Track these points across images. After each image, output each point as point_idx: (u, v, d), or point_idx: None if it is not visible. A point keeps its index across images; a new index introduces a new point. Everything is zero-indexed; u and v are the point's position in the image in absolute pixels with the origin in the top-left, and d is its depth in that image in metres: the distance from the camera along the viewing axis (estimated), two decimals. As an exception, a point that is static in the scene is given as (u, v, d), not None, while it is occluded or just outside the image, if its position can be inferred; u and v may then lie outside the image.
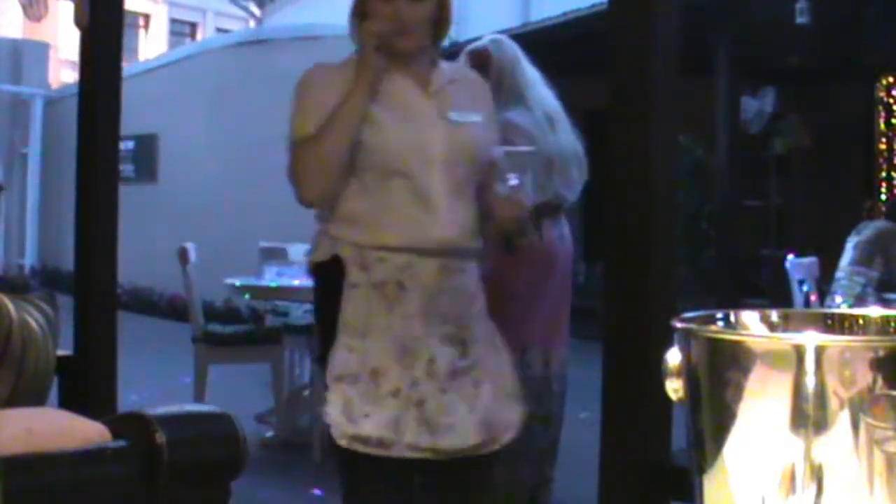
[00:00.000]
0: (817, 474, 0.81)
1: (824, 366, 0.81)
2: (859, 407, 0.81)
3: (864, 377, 0.81)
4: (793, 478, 0.82)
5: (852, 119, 11.10)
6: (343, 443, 2.23)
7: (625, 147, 2.17)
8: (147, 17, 25.62)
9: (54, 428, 1.91)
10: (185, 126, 12.19)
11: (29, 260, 15.78)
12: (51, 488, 1.80)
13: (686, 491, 0.95)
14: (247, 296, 6.16)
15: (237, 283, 5.77)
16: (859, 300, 5.56)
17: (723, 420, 0.86)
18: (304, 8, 14.15)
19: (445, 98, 2.37)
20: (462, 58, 3.52)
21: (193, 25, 26.91)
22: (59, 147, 13.99)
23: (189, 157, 12.10)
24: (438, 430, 2.23)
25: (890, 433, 0.80)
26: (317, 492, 4.19)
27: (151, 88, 12.14)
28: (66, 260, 10.26)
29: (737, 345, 0.86)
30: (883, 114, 10.98)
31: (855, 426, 0.81)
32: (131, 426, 1.90)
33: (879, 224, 6.09)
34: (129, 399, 2.78)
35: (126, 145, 12.16)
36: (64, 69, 19.45)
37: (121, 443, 1.89)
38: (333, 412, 2.24)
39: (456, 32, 9.08)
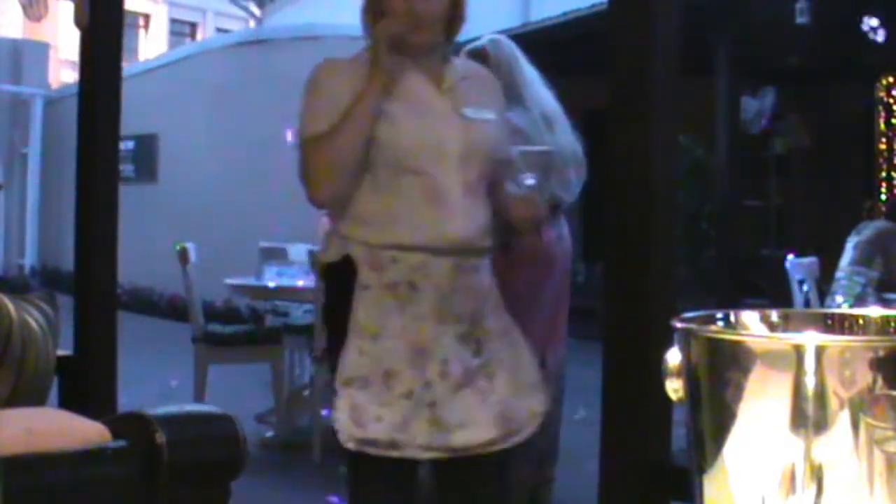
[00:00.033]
0: (817, 474, 0.81)
1: (824, 366, 0.81)
2: (859, 407, 0.81)
3: (864, 377, 0.81)
4: (793, 478, 0.82)
5: (852, 119, 11.11)
6: (351, 446, 2.19)
7: (625, 147, 2.17)
8: (147, 17, 25.61)
9: (54, 428, 1.91)
10: (185, 126, 12.18)
11: (29, 260, 15.78)
12: (51, 488, 1.80)
13: (686, 491, 0.95)
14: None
15: (236, 283, 5.78)
16: (859, 300, 5.56)
17: (723, 420, 0.86)
18: (304, 8, 14.15)
19: (459, 94, 2.33)
20: (461, 57, 3.51)
21: (193, 25, 26.91)
22: (59, 147, 13.99)
23: (189, 157, 12.10)
24: (450, 428, 2.19)
25: (890, 433, 0.80)
26: (334, 499, 4.20)
27: (151, 88, 12.14)
28: (66, 260, 10.26)
29: (737, 345, 0.86)
30: (883, 114, 10.99)
31: (855, 426, 0.81)
32: (131, 426, 1.90)
33: (879, 224, 6.09)
34: (128, 399, 2.78)
35: (126, 145, 12.16)
36: (64, 69, 19.45)
37: (121, 443, 1.89)
38: (341, 417, 2.19)
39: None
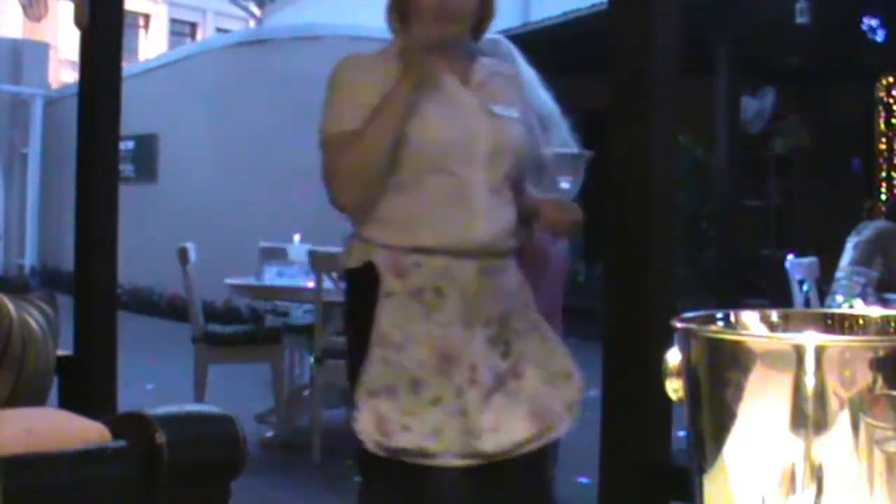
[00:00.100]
0: (817, 474, 0.81)
1: (824, 366, 0.81)
2: (859, 407, 0.81)
3: (864, 377, 0.81)
4: (793, 478, 0.82)
5: (852, 119, 11.11)
6: (381, 453, 2.11)
7: (625, 147, 2.17)
8: (147, 17, 25.61)
9: (54, 428, 1.91)
10: (185, 126, 12.18)
11: (29, 260, 15.78)
12: (51, 488, 1.80)
13: (686, 491, 0.95)
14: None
15: (236, 283, 5.78)
16: (859, 300, 5.56)
17: (723, 420, 0.86)
18: (304, 8, 14.15)
19: (487, 92, 2.27)
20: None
21: (193, 25, 26.91)
22: (59, 147, 13.99)
23: (189, 157, 12.10)
24: (484, 435, 2.12)
25: (890, 433, 0.80)
26: None
27: (151, 88, 12.14)
28: (66, 260, 10.26)
29: (737, 345, 0.86)
30: (883, 114, 10.99)
31: (855, 426, 0.81)
32: (131, 426, 1.91)
33: (879, 224, 6.09)
34: (128, 399, 2.78)
35: (126, 145, 12.15)
36: (64, 69, 19.45)
37: (121, 443, 1.89)
38: (367, 428, 2.10)
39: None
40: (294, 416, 5.56)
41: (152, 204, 11.95)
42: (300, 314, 5.99)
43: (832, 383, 0.81)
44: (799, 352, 0.82)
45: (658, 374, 0.95)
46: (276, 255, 6.07)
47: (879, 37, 8.54)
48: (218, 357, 5.39)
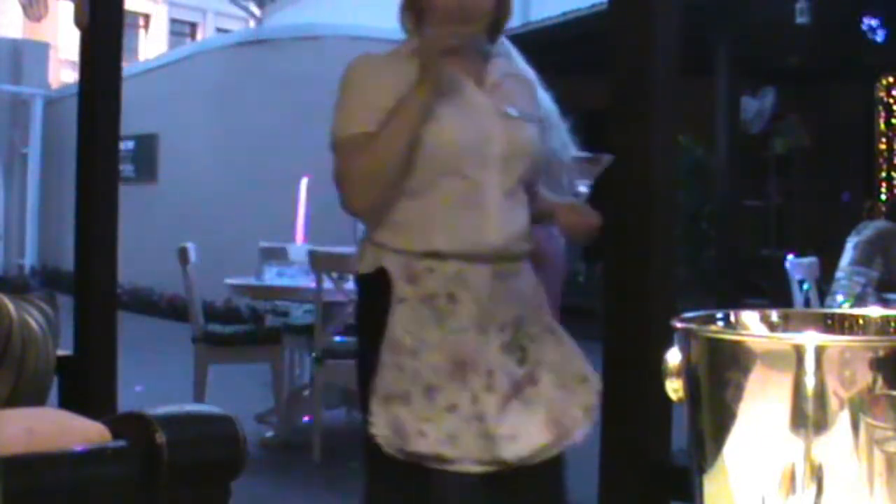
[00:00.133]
0: (817, 474, 0.81)
1: (824, 366, 0.81)
2: (859, 407, 0.81)
3: (864, 377, 0.81)
4: (793, 478, 0.82)
5: (852, 119, 11.11)
6: (400, 457, 2.08)
7: (625, 147, 2.17)
8: (147, 17, 25.62)
9: (54, 428, 1.91)
10: (185, 126, 12.19)
11: (29, 260, 15.78)
12: (51, 488, 1.80)
13: (686, 491, 0.95)
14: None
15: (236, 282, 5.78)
16: (859, 300, 5.57)
17: (723, 420, 0.86)
18: (304, 8, 14.16)
19: (501, 93, 2.23)
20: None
21: (193, 25, 26.91)
22: (59, 147, 13.99)
23: (189, 157, 12.10)
24: (502, 442, 2.08)
25: (890, 433, 0.80)
26: None
27: (151, 88, 12.14)
28: (66, 260, 10.26)
29: (737, 345, 0.86)
30: (883, 114, 10.99)
31: (855, 426, 0.81)
32: (131, 426, 1.90)
33: (879, 224, 6.10)
34: (128, 399, 2.78)
35: (126, 145, 12.15)
36: (64, 69, 19.45)
37: (121, 443, 1.89)
38: (383, 431, 2.07)
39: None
40: (294, 416, 5.57)
41: (152, 204, 11.95)
42: (300, 314, 6.00)
43: (832, 383, 0.81)
44: (799, 352, 0.82)
45: (658, 374, 0.95)
46: (276, 255, 6.07)
47: (879, 37, 8.54)
48: (218, 357, 5.39)
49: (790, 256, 6.28)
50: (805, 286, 6.01)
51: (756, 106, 10.61)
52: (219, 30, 23.67)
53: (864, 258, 5.81)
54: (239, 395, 5.80)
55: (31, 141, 15.89)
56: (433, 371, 2.08)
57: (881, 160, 10.95)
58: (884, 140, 10.98)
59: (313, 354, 5.09)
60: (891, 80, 10.88)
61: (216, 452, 2.00)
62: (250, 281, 5.85)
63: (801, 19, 8.24)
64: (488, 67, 2.25)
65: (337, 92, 2.20)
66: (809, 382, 0.82)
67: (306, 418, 5.57)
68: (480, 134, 2.15)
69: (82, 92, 2.85)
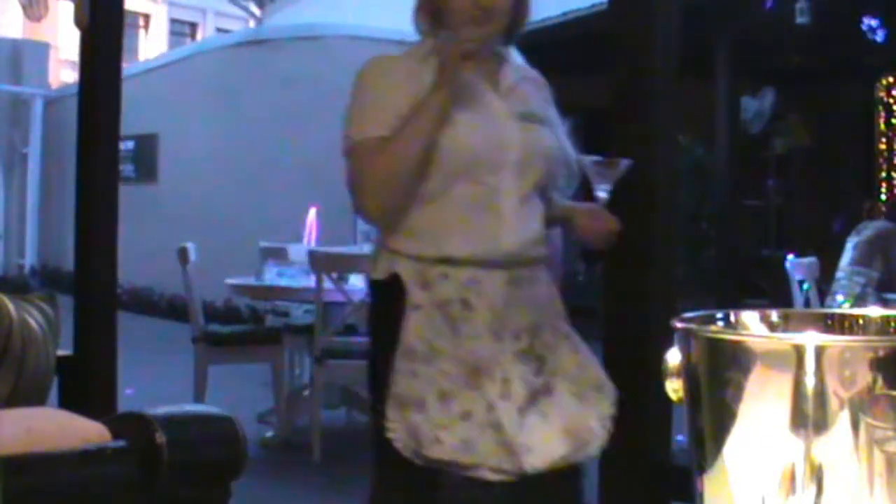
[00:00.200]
0: (817, 474, 0.81)
1: (824, 366, 0.81)
2: (859, 407, 0.81)
3: (864, 377, 0.81)
4: (793, 478, 0.82)
5: (852, 119, 11.11)
6: (418, 461, 2.04)
7: (625, 147, 2.17)
8: (147, 17, 25.61)
9: (54, 428, 1.91)
10: (185, 126, 12.19)
11: (29, 260, 15.78)
12: (51, 488, 1.80)
13: (686, 491, 0.95)
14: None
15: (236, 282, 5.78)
16: (859, 300, 5.57)
17: (723, 420, 0.86)
18: (305, 8, 14.15)
19: (517, 97, 2.19)
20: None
21: (193, 25, 26.91)
22: (59, 147, 13.99)
23: (189, 157, 12.10)
24: (520, 452, 2.04)
25: (890, 433, 0.80)
26: None
27: (151, 88, 12.14)
28: (66, 260, 10.26)
29: (737, 345, 0.86)
30: (883, 114, 10.99)
31: (855, 426, 0.81)
32: (131, 426, 1.90)
33: (879, 224, 6.10)
34: (127, 398, 2.78)
35: (126, 145, 12.15)
36: (64, 69, 19.45)
37: (120, 443, 1.89)
38: (401, 436, 2.04)
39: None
40: (294, 416, 5.57)
41: (152, 204, 11.95)
42: (300, 314, 6.00)
43: (832, 383, 0.81)
44: (799, 352, 0.82)
45: (658, 374, 0.95)
46: (276, 255, 6.08)
47: (879, 37, 8.55)
48: (218, 357, 5.39)
49: (790, 256, 6.28)
50: (805, 286, 6.01)
51: (756, 106, 10.61)
52: (219, 30, 23.67)
53: (864, 258, 5.81)
54: (239, 395, 5.80)
55: (31, 141, 15.89)
56: (447, 378, 2.04)
57: (881, 160, 10.96)
58: (884, 140, 10.98)
59: (313, 354, 5.09)
60: (891, 80, 10.88)
61: (216, 452, 2.00)
62: (250, 281, 5.85)
63: (801, 19, 8.24)
64: (503, 70, 2.22)
65: (350, 94, 2.16)
66: (809, 382, 0.82)
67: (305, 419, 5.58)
68: (496, 139, 2.11)
69: (82, 92, 2.85)
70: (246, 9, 16.51)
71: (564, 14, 9.67)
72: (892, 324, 0.97)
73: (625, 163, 2.12)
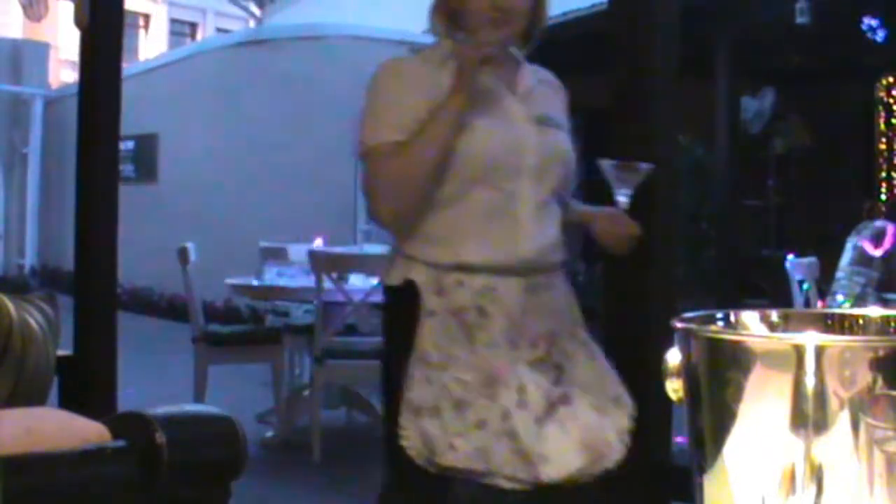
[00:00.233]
0: (817, 474, 0.81)
1: (824, 366, 0.81)
2: (859, 407, 0.81)
3: (864, 377, 0.81)
4: (793, 478, 0.82)
5: (852, 119, 11.11)
6: (431, 469, 2.02)
7: (625, 147, 2.17)
8: (147, 17, 25.61)
9: (54, 428, 1.91)
10: (185, 126, 12.19)
11: (29, 260, 15.78)
12: (50, 488, 1.80)
13: (686, 491, 0.95)
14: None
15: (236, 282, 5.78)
16: (859, 300, 5.57)
17: (723, 420, 0.86)
18: (305, 8, 14.15)
19: (533, 100, 2.16)
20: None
21: (193, 25, 26.90)
22: (59, 147, 13.99)
23: (189, 157, 12.10)
24: (536, 462, 2.00)
25: (890, 433, 0.80)
26: None
27: (151, 88, 12.14)
28: (66, 260, 10.26)
29: (737, 345, 0.86)
30: (883, 114, 10.99)
31: (855, 426, 0.81)
32: (131, 426, 1.90)
33: (879, 224, 6.10)
34: (128, 398, 2.78)
35: (126, 145, 12.15)
36: (64, 69, 19.44)
37: (120, 443, 1.89)
38: (415, 444, 2.02)
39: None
40: (294, 416, 5.57)
41: (152, 204, 11.95)
42: (300, 314, 6.00)
43: (832, 383, 0.81)
44: (799, 352, 0.82)
45: (658, 374, 0.95)
46: (276, 255, 6.08)
47: (879, 37, 8.55)
48: (218, 357, 5.39)
49: (790, 256, 6.28)
50: (805, 286, 6.01)
51: (756, 106, 10.61)
52: (219, 30, 23.66)
53: (864, 258, 5.81)
54: (239, 395, 5.80)
55: (31, 141, 15.89)
56: (462, 386, 2.02)
57: (881, 160, 10.95)
58: (884, 140, 10.98)
59: (313, 354, 5.09)
60: (891, 80, 10.88)
61: (216, 452, 2.00)
62: (250, 281, 5.85)
63: (801, 19, 8.24)
64: (521, 73, 2.19)
65: (364, 98, 2.13)
66: (809, 382, 0.82)
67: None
68: (514, 144, 2.08)
69: (82, 92, 2.85)
70: (246, 9, 16.50)
71: (564, 14, 9.66)
72: (892, 324, 0.97)
73: (646, 167, 2.09)
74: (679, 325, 0.91)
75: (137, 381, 4.91)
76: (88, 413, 2.02)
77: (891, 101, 10.96)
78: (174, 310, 10.94)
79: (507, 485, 2.01)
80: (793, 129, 11.22)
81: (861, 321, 0.98)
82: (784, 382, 0.82)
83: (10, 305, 2.21)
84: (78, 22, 2.79)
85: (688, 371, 0.91)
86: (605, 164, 2.12)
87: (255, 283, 5.79)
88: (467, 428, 2.00)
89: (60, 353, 2.45)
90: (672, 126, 2.21)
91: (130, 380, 3.14)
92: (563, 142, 2.16)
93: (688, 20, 2.26)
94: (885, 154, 10.94)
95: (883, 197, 10.49)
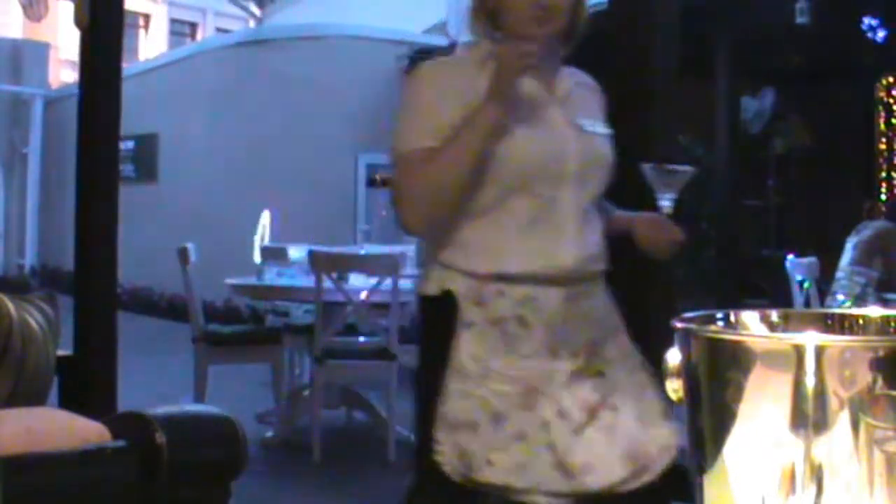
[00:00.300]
0: (817, 474, 0.81)
1: (824, 366, 0.81)
2: (859, 407, 0.81)
3: (864, 377, 0.81)
4: (793, 478, 0.82)
5: (852, 119, 11.11)
6: (468, 486, 1.97)
7: (625, 147, 2.17)
8: (147, 17, 25.60)
9: (54, 428, 1.91)
10: (185, 126, 12.19)
11: (29, 260, 15.78)
12: (50, 488, 1.80)
13: (686, 491, 0.95)
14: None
15: (236, 282, 5.78)
16: (859, 300, 5.57)
17: (723, 420, 0.86)
18: (305, 8, 14.15)
19: (572, 103, 2.10)
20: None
21: (193, 25, 26.90)
22: (59, 147, 13.99)
23: (189, 157, 12.10)
24: (576, 473, 1.95)
25: (890, 433, 0.80)
26: None
27: (151, 88, 12.14)
28: (66, 260, 10.25)
29: (737, 345, 0.86)
30: (883, 114, 10.99)
31: (855, 426, 0.81)
32: (131, 426, 1.90)
33: (879, 224, 6.10)
34: (128, 398, 2.78)
35: (126, 145, 12.15)
36: (64, 69, 19.44)
37: (120, 443, 1.89)
38: (451, 460, 1.97)
39: (455, 32, 9.06)
40: (294, 416, 5.57)
41: (152, 204, 11.95)
42: (300, 314, 6.00)
43: (832, 383, 0.81)
44: (799, 352, 0.82)
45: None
46: (276, 255, 6.08)
47: (879, 37, 8.55)
48: (218, 357, 5.39)
49: (790, 256, 6.28)
50: (805, 286, 6.01)
51: (756, 106, 10.61)
52: (219, 30, 23.65)
53: (864, 258, 5.81)
54: (239, 395, 5.80)
55: (31, 141, 15.89)
56: (500, 398, 1.97)
57: (881, 160, 10.95)
58: (884, 140, 10.97)
59: (313, 354, 5.09)
60: (891, 80, 10.88)
61: (216, 452, 2.00)
62: (250, 281, 5.85)
63: (801, 19, 8.24)
64: (558, 75, 2.13)
65: (401, 103, 2.09)
66: (809, 382, 0.82)
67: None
68: (554, 149, 2.02)
69: (82, 92, 2.85)
70: (246, 9, 16.51)
71: (564, 14, 9.67)
72: (892, 324, 0.97)
73: (688, 169, 2.05)
74: (679, 325, 0.91)
75: (137, 381, 4.91)
76: (88, 413, 2.02)
77: (891, 101, 10.96)
78: (174, 310, 10.94)
79: (545, 501, 1.96)
80: (793, 129, 11.21)
81: (861, 321, 0.98)
82: (784, 382, 0.82)
83: (10, 305, 2.21)
84: (78, 22, 2.79)
85: (688, 371, 0.91)
86: (647, 168, 2.07)
87: (255, 283, 5.80)
88: (506, 441, 1.95)
89: (60, 353, 2.45)
90: (672, 126, 2.21)
91: (130, 380, 3.14)
92: (603, 146, 2.10)
93: (688, 20, 2.26)
94: (885, 154, 10.94)
95: (883, 197, 10.49)
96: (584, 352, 2.04)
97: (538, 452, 1.95)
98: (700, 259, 9.75)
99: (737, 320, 0.98)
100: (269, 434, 5.45)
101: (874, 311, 0.99)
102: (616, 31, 2.12)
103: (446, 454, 1.97)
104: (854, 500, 0.81)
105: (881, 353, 0.81)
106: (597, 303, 2.09)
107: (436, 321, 2.05)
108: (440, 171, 1.96)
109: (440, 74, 2.09)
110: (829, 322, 0.99)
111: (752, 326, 0.98)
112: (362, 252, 5.75)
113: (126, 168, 12.42)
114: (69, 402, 2.55)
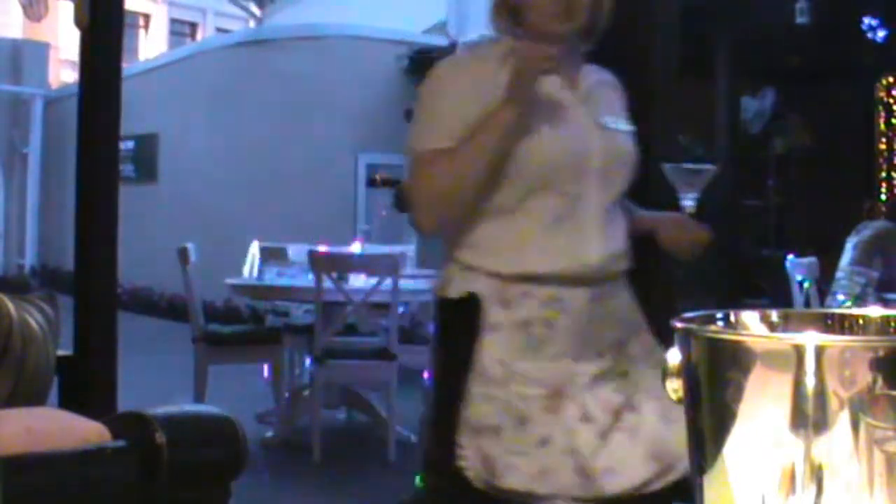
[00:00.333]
0: (817, 474, 0.81)
1: (824, 366, 0.81)
2: (859, 407, 0.81)
3: (864, 377, 0.81)
4: (793, 478, 0.82)
5: (852, 119, 11.11)
6: (489, 491, 1.94)
7: (625, 147, 2.17)
8: (147, 17, 25.60)
9: (54, 428, 1.91)
10: (185, 126, 12.19)
11: (29, 260, 15.79)
12: (51, 488, 1.80)
13: (686, 491, 0.95)
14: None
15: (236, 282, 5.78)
16: (859, 300, 5.57)
17: (723, 420, 0.86)
18: (305, 8, 14.15)
19: (595, 100, 2.07)
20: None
21: (193, 25, 26.90)
22: (59, 147, 13.99)
23: (189, 157, 12.11)
24: (600, 476, 1.92)
25: (890, 433, 0.80)
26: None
27: (151, 88, 12.15)
28: (66, 260, 10.25)
29: (737, 345, 0.86)
30: (883, 114, 10.98)
31: (855, 426, 0.81)
32: (131, 426, 1.90)
33: (879, 224, 6.10)
34: (128, 398, 2.78)
35: (126, 145, 12.16)
36: (64, 69, 19.44)
37: (120, 443, 1.89)
38: (474, 465, 1.94)
39: (455, 32, 9.06)
40: (294, 416, 5.57)
41: (152, 204, 11.95)
42: (300, 314, 6.00)
43: (832, 383, 0.81)
44: (799, 352, 0.82)
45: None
46: (276, 255, 6.08)
47: (879, 37, 8.55)
48: (218, 357, 5.39)
49: (790, 256, 6.28)
50: (805, 286, 6.01)
51: (756, 106, 10.61)
52: (219, 30, 23.65)
53: (864, 258, 5.81)
54: (239, 395, 5.80)
55: (31, 141, 15.89)
56: (525, 401, 1.94)
57: (881, 160, 10.95)
58: (884, 140, 10.97)
59: (313, 354, 5.09)
60: (891, 80, 10.87)
61: (216, 452, 2.00)
62: (250, 281, 5.85)
63: (801, 19, 8.24)
64: (580, 71, 2.09)
65: (418, 101, 2.07)
66: (809, 382, 0.82)
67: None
68: (578, 147, 1.99)
69: (82, 92, 2.84)
70: (246, 9, 16.51)
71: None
72: (892, 324, 0.97)
73: (710, 168, 2.04)
74: (679, 325, 0.91)
75: (137, 381, 4.91)
76: (88, 413, 2.02)
77: (891, 101, 10.96)
78: (174, 310, 10.94)
79: None
80: (793, 129, 11.21)
81: (861, 321, 0.98)
82: (784, 382, 0.82)
83: (10, 305, 2.21)
84: (78, 22, 2.79)
85: (688, 371, 0.91)
86: (669, 168, 2.06)
87: (255, 283, 5.80)
88: (529, 446, 1.93)
89: (60, 353, 2.45)
90: (672, 126, 2.21)
91: (130, 380, 3.14)
92: (626, 143, 2.08)
93: (688, 20, 2.26)
94: (885, 154, 10.94)
95: (883, 197, 10.48)
96: (609, 352, 2.02)
97: (563, 459, 1.92)
98: (700, 259, 9.75)
99: (737, 320, 0.97)
100: (269, 434, 5.45)
101: (874, 311, 0.99)
102: (616, 31, 2.12)
103: (469, 459, 1.94)
104: (854, 500, 0.81)
105: (881, 353, 0.81)
106: (621, 302, 2.07)
107: (458, 325, 2.01)
108: (456, 172, 1.94)
109: (459, 72, 2.07)
110: (829, 322, 0.99)
111: (752, 326, 0.97)
112: (352, 249, 5.77)
113: (126, 168, 12.42)
114: (69, 402, 2.55)
